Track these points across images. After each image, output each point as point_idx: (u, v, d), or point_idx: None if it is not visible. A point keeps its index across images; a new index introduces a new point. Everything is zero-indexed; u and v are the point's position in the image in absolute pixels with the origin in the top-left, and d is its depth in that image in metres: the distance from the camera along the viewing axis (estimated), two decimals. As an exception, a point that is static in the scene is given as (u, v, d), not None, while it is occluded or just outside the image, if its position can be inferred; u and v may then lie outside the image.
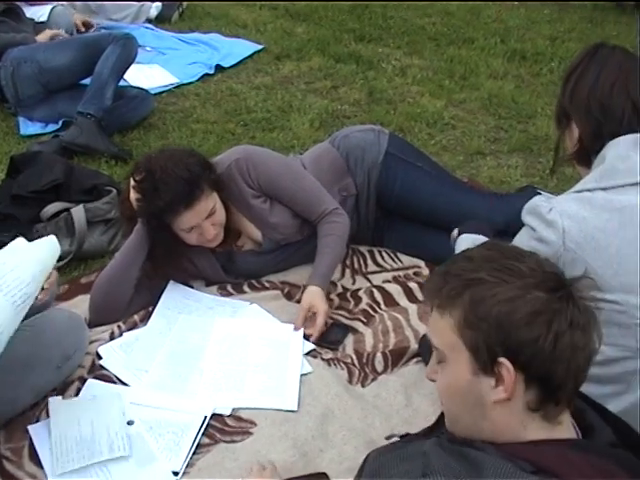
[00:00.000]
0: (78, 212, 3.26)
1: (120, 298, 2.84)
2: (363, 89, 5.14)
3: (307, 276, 2.99)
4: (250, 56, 5.61)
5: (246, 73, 5.37)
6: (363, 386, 2.61)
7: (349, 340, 2.81)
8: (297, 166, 3.14)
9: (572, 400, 1.42)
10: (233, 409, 2.46)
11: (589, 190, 2.01)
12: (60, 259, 2.74)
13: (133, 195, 2.79)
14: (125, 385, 2.57)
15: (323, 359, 2.69)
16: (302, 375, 2.60)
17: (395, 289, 3.05)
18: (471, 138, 4.51)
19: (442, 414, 1.59)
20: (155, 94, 4.83)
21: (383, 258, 3.28)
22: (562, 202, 2.01)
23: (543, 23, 6.52)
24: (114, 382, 2.57)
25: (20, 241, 2.20)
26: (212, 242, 2.89)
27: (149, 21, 6.22)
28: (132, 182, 2.79)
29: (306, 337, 2.77)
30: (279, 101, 4.93)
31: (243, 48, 5.71)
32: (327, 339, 2.78)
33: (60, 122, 4.39)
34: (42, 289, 2.19)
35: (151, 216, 2.78)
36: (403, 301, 2.98)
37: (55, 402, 2.42)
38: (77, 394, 2.50)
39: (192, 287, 3.04)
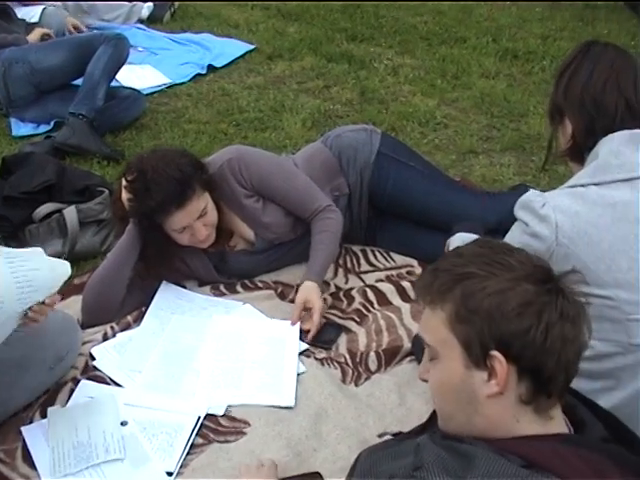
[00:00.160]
0: (70, 213, 3.25)
1: (112, 298, 2.84)
2: (355, 89, 5.15)
3: (300, 276, 2.99)
4: (242, 56, 5.62)
5: (238, 73, 5.37)
6: (357, 385, 2.61)
7: (342, 339, 2.81)
8: (289, 165, 3.14)
9: (563, 394, 1.42)
10: (227, 409, 2.46)
11: (582, 185, 2.02)
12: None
13: (125, 195, 2.79)
14: (118, 386, 2.56)
15: (316, 359, 2.69)
16: (296, 374, 2.60)
17: (388, 288, 3.05)
18: (463, 137, 4.52)
19: (434, 412, 1.60)
20: (147, 94, 4.83)
21: (376, 257, 3.28)
22: (555, 197, 2.02)
23: (534, 22, 6.53)
24: (107, 383, 2.57)
25: (39, 250, 2.21)
26: (204, 243, 2.89)
27: (141, 21, 6.22)
28: (124, 182, 2.79)
29: (300, 336, 2.77)
30: (271, 101, 4.93)
31: (235, 48, 5.71)
32: (320, 339, 2.78)
33: (52, 123, 4.40)
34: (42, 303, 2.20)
35: (143, 216, 2.78)
36: (396, 300, 2.98)
37: (53, 412, 2.41)
38: (70, 395, 2.49)
39: (185, 287, 3.04)
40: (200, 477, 2.22)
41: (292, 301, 2.95)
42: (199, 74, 5.29)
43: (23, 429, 2.36)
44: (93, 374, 2.60)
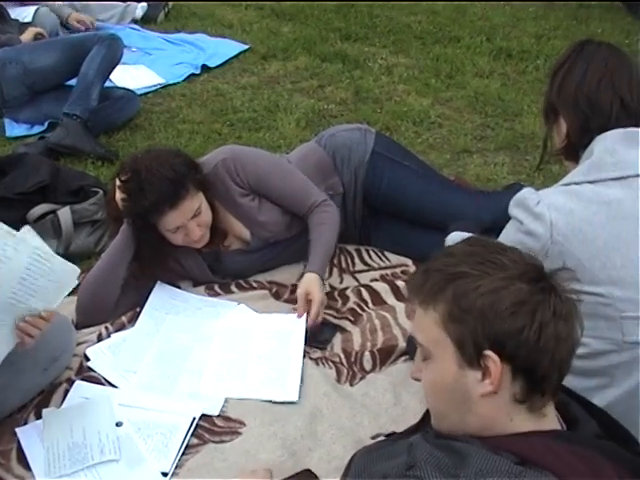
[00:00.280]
0: (64, 214, 3.25)
1: (107, 299, 2.84)
2: (349, 88, 5.15)
3: (295, 275, 3.00)
4: (236, 56, 5.61)
5: (232, 73, 5.37)
6: (351, 385, 2.61)
7: (337, 339, 2.81)
8: (284, 163, 3.15)
9: (557, 392, 1.42)
10: (222, 409, 2.46)
11: (577, 183, 2.03)
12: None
13: (119, 195, 2.79)
14: (113, 387, 2.56)
15: (311, 358, 2.69)
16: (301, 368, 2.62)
17: (383, 288, 3.05)
18: (457, 136, 4.52)
19: (427, 412, 1.60)
20: (141, 95, 4.83)
21: (370, 257, 3.28)
22: (550, 195, 2.02)
23: (528, 21, 6.53)
24: (102, 384, 2.57)
25: (73, 270, 2.24)
26: (198, 243, 2.89)
27: (135, 21, 6.21)
28: (117, 182, 2.79)
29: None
30: (265, 101, 4.92)
31: (229, 48, 5.71)
32: (315, 338, 2.78)
33: (46, 123, 4.39)
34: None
35: (136, 216, 2.78)
36: (391, 300, 2.97)
37: (48, 413, 2.41)
38: (65, 396, 2.49)
39: (179, 287, 3.04)
40: (195, 477, 2.22)
41: (287, 301, 2.95)
42: (193, 74, 5.28)
43: (18, 430, 2.35)
44: (88, 375, 2.59)
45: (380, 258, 3.27)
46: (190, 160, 2.88)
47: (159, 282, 3.01)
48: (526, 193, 2.04)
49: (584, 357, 1.93)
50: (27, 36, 4.70)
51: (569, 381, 1.44)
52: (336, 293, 3.04)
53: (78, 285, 2.85)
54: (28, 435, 2.34)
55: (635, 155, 2.02)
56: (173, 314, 2.88)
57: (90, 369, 2.62)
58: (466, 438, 1.38)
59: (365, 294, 3.03)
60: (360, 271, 3.20)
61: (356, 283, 3.12)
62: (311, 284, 2.79)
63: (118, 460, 2.25)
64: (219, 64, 5.45)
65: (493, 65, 5.58)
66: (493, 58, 5.70)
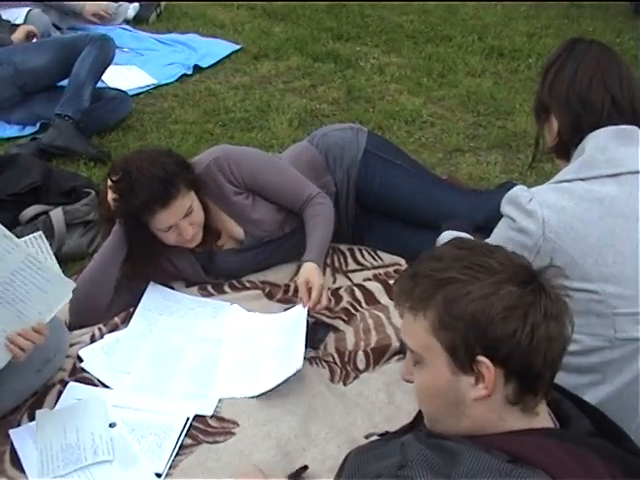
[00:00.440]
0: (57, 214, 3.25)
1: (100, 299, 2.84)
2: (341, 88, 5.15)
3: (288, 275, 3.01)
4: (228, 56, 5.60)
5: (224, 73, 5.37)
6: (345, 384, 2.61)
7: (330, 339, 2.80)
8: (276, 159, 3.17)
9: (549, 390, 1.43)
10: (216, 409, 2.46)
11: (568, 181, 2.03)
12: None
13: (110, 195, 2.79)
14: (107, 387, 2.56)
15: (305, 358, 2.68)
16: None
17: (376, 287, 3.05)
18: (450, 135, 4.52)
19: (420, 411, 1.59)
20: (133, 95, 4.82)
21: (363, 256, 3.28)
22: (542, 192, 2.03)
23: (520, 20, 6.54)
24: (96, 385, 2.57)
25: (67, 283, 2.28)
26: (190, 242, 2.89)
27: (127, 22, 6.19)
28: (109, 182, 2.79)
29: None
30: (257, 101, 4.92)
31: (221, 48, 5.70)
32: (309, 338, 2.78)
33: (38, 124, 4.38)
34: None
35: (128, 216, 2.78)
36: (384, 299, 2.98)
37: (42, 414, 2.40)
38: (58, 397, 2.49)
39: (173, 288, 3.04)
40: (189, 478, 2.22)
41: (279, 301, 2.95)
42: (185, 74, 5.27)
43: (11, 432, 2.35)
44: (81, 376, 2.59)
45: (373, 257, 3.27)
46: (181, 160, 2.88)
47: (152, 283, 3.00)
48: (518, 191, 2.05)
49: (577, 354, 1.93)
50: (18, 35, 4.68)
51: (562, 378, 1.44)
52: (329, 293, 3.04)
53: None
54: (21, 437, 2.33)
55: (626, 152, 2.02)
56: (166, 315, 2.88)
57: (83, 370, 2.61)
58: (458, 438, 1.38)
59: (358, 294, 3.03)
60: (353, 271, 3.20)
61: (349, 283, 3.12)
62: (310, 272, 2.78)
63: (112, 461, 2.25)
64: (211, 64, 5.44)
65: (485, 64, 5.58)
66: (485, 57, 5.71)
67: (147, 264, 2.92)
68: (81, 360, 2.65)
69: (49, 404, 2.47)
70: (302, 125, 4.60)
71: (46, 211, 3.26)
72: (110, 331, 2.80)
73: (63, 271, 3.10)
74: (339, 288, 3.07)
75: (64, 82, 4.32)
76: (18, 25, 5.02)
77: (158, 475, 2.23)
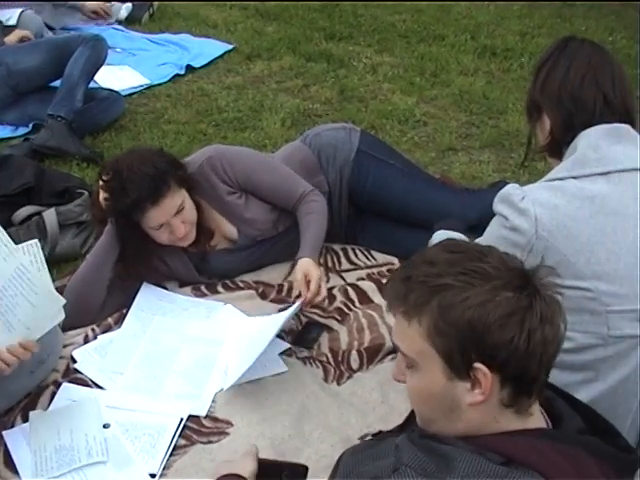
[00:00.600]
0: (50, 215, 3.24)
1: (93, 300, 2.83)
2: (334, 87, 5.14)
3: (282, 275, 3.01)
4: (221, 56, 5.59)
5: (217, 73, 5.36)
6: (339, 384, 2.61)
7: (324, 338, 2.80)
8: (269, 158, 3.19)
9: (542, 391, 1.43)
10: (210, 410, 2.46)
11: (560, 179, 2.04)
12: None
13: (102, 195, 2.79)
14: (100, 388, 2.56)
15: (298, 358, 2.69)
16: (277, 374, 2.60)
17: (369, 286, 3.05)
18: (443, 134, 4.53)
19: (413, 411, 1.59)
20: (126, 95, 4.80)
21: (357, 256, 3.28)
22: (534, 190, 2.03)
23: (513, 19, 6.54)
24: (89, 386, 2.56)
25: (59, 300, 2.27)
26: (183, 241, 2.88)
27: (119, 22, 6.17)
28: (100, 182, 2.78)
29: (280, 336, 2.75)
30: (250, 101, 4.92)
31: (213, 48, 5.68)
32: (302, 338, 2.78)
33: (30, 125, 4.36)
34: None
35: (120, 214, 2.78)
36: (377, 298, 2.98)
37: (35, 415, 2.40)
38: (52, 398, 2.48)
39: (166, 288, 3.03)
40: (183, 478, 2.23)
41: (273, 301, 2.95)
42: (178, 75, 5.26)
43: (4, 433, 2.35)
44: (74, 377, 2.59)
45: (366, 257, 3.27)
46: (173, 158, 2.89)
47: (145, 283, 3.00)
48: (510, 189, 2.05)
49: (570, 351, 1.94)
50: (13, 38, 4.67)
51: (555, 375, 1.44)
52: (323, 292, 3.04)
53: (64, 287, 2.86)
54: (15, 438, 2.33)
55: (618, 151, 2.03)
56: (160, 315, 2.88)
57: (77, 371, 2.61)
58: (451, 439, 1.38)
59: (352, 293, 3.03)
60: (346, 270, 3.21)
61: (342, 282, 3.12)
62: (307, 265, 2.77)
63: (106, 462, 2.25)
64: (204, 64, 5.43)
65: (478, 63, 5.59)
66: (478, 56, 5.71)
67: (139, 263, 2.92)
68: (75, 361, 2.65)
69: (43, 405, 2.46)
70: (295, 125, 4.59)
71: (39, 212, 3.25)
72: (103, 332, 2.79)
73: (56, 272, 3.13)
74: (332, 288, 3.06)
75: (57, 83, 4.31)
76: (10, 27, 5.01)
77: (152, 475, 2.23)
